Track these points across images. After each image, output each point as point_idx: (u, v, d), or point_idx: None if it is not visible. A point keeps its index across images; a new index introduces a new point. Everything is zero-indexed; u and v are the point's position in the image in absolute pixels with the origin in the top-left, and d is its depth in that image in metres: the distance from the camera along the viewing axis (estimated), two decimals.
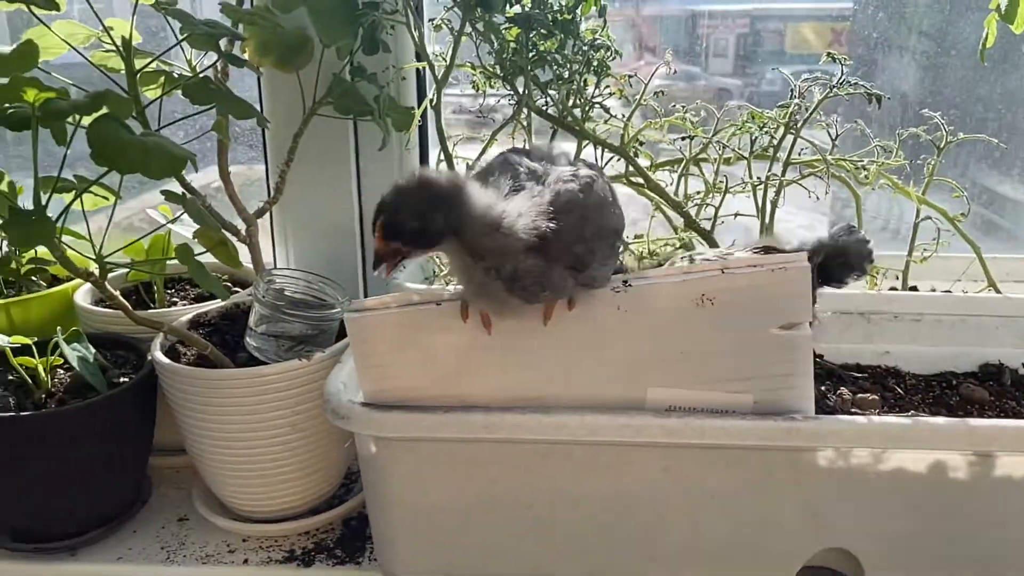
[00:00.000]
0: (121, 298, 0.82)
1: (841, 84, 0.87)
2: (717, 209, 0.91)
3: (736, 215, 0.95)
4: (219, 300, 1.06)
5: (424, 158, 1.21)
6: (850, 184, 0.95)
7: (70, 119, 0.72)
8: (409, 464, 0.77)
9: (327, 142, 1.10)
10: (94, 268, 0.82)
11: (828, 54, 0.85)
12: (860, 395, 0.88)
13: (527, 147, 0.87)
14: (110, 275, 0.85)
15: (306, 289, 0.95)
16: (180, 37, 0.86)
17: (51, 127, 0.71)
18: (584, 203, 0.66)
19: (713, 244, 0.91)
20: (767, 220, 0.91)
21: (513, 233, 0.63)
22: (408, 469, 0.77)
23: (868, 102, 0.87)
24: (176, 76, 0.92)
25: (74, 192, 0.78)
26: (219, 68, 0.97)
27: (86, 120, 0.73)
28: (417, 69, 1.10)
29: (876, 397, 0.88)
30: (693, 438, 0.72)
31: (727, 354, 0.73)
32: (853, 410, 0.86)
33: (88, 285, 1.09)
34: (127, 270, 1.09)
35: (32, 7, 0.80)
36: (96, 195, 0.83)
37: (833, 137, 0.93)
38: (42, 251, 1.14)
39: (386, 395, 0.75)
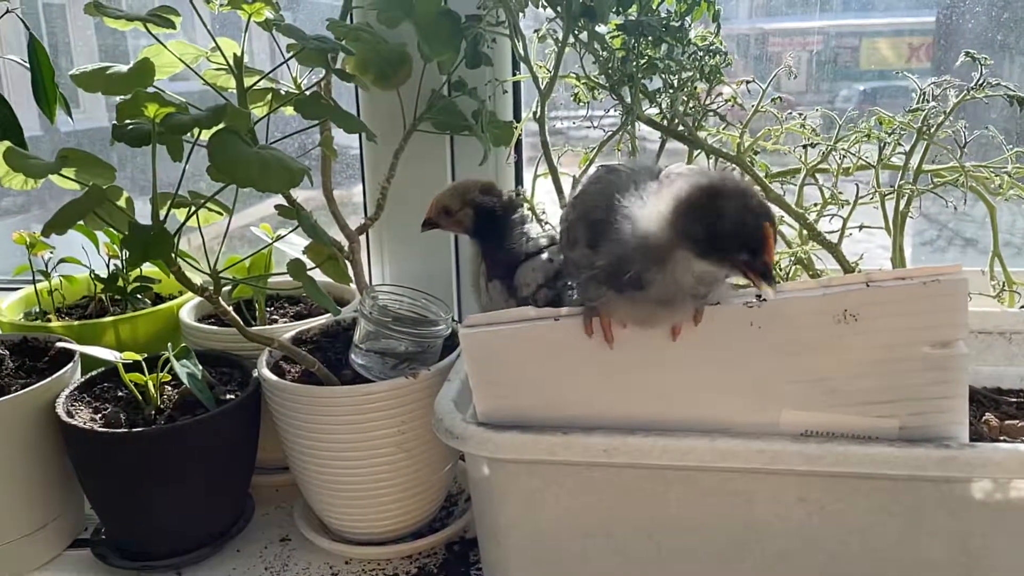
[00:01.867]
0: (234, 314, 0.82)
1: (980, 86, 0.80)
2: (845, 220, 0.86)
3: (862, 227, 0.89)
4: (319, 318, 1.06)
5: (519, 174, 1.18)
6: (985, 196, 0.88)
7: (187, 135, 0.72)
8: (523, 488, 0.73)
9: (423, 159, 1.09)
10: (206, 283, 0.82)
11: (967, 53, 0.79)
12: (1008, 421, 0.81)
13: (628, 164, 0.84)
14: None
15: (410, 306, 0.93)
16: (287, 55, 0.86)
17: (168, 143, 0.71)
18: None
19: (841, 259, 0.85)
20: (898, 233, 0.85)
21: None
22: (522, 493, 0.74)
23: (1009, 103, 0.81)
24: (283, 93, 0.92)
25: (190, 208, 0.78)
26: (323, 85, 0.97)
27: (202, 137, 0.73)
28: (513, 83, 1.08)
29: None
30: (834, 466, 0.66)
31: (871, 375, 0.67)
32: (1002, 438, 0.79)
33: (193, 302, 1.10)
34: (230, 287, 1.09)
35: (148, 26, 0.81)
36: (211, 210, 0.83)
37: (961, 144, 0.86)
38: (147, 269, 1.16)
39: (501, 414, 0.72)
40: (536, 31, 0.95)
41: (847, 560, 0.70)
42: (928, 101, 0.83)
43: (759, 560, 0.72)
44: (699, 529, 0.72)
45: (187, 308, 1.09)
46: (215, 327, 1.03)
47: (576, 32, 0.95)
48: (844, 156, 0.88)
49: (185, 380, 0.86)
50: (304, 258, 0.81)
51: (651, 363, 0.69)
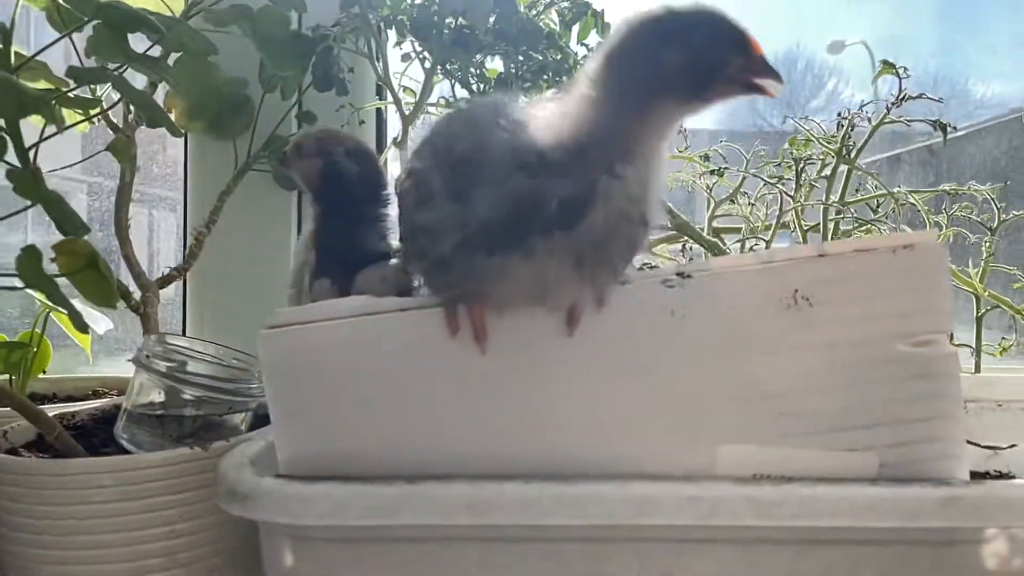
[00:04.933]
0: None
1: (900, 100, 0.71)
2: (768, 244, 0.71)
3: None
4: (96, 401, 0.79)
5: None
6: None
7: None
8: None
9: (263, 203, 0.89)
10: None
11: (884, 62, 0.70)
12: None
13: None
14: None
15: (213, 362, 0.69)
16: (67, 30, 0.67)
17: None
18: None
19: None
20: None
21: None
22: None
23: (933, 128, 0.71)
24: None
25: None
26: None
27: None
28: (377, 114, 0.93)
29: None
30: (798, 519, 0.45)
31: (834, 388, 0.48)
32: None
33: None
34: None
35: None
36: None
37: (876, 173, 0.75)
38: None
39: (314, 462, 0.48)
40: (398, 44, 0.81)
41: None
42: (848, 123, 0.72)
43: None
44: None
45: None
46: None
47: (448, 65, 0.83)
48: (756, 199, 0.76)
49: None
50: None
51: (535, 374, 0.48)
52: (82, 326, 0.54)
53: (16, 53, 0.67)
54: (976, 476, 0.60)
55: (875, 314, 0.48)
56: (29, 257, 0.53)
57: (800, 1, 1.45)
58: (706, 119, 1.45)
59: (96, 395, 0.91)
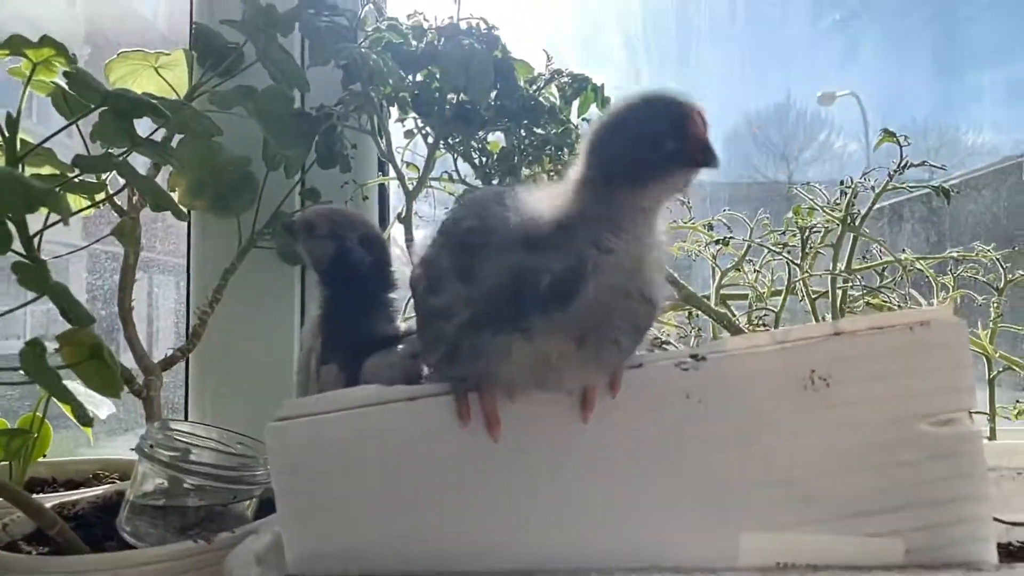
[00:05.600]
0: None
1: (902, 168, 0.71)
2: (778, 314, 0.70)
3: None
4: (96, 488, 0.77)
5: None
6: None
7: None
8: None
9: (266, 282, 0.89)
10: None
11: (885, 131, 0.71)
12: None
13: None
14: None
15: (216, 447, 0.67)
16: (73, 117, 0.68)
17: None
18: None
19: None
20: None
21: None
22: None
23: (936, 195, 0.71)
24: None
25: None
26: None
27: None
28: (379, 189, 0.93)
29: None
30: None
31: (857, 468, 0.47)
32: None
33: None
34: None
35: None
36: None
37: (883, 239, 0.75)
38: None
39: (324, 562, 0.47)
40: (400, 120, 0.82)
41: None
42: (852, 192, 0.72)
43: None
44: None
45: None
46: None
47: (450, 140, 0.83)
48: (761, 265, 0.75)
49: None
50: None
51: (550, 463, 0.47)
52: (86, 419, 0.54)
53: (22, 140, 0.68)
54: (1000, 548, 0.59)
55: (895, 393, 0.47)
56: (32, 351, 0.53)
57: (791, 54, 1.48)
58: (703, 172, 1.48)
59: (97, 479, 0.89)
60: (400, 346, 0.59)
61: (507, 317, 0.43)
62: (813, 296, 0.72)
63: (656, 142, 0.43)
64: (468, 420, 0.47)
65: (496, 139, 0.85)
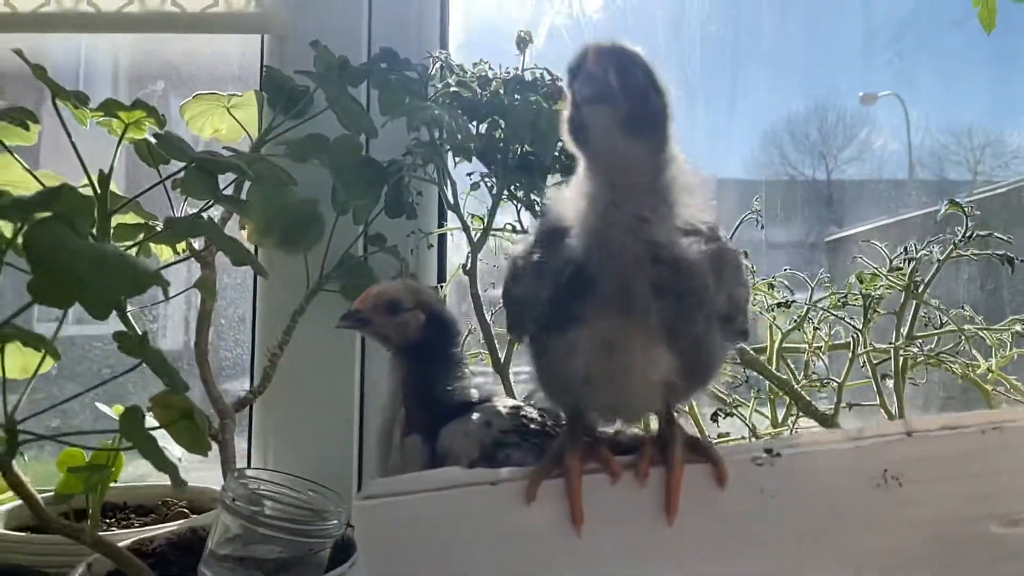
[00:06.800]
0: (29, 486, 0.57)
1: (967, 240, 0.71)
2: (840, 387, 0.71)
3: (850, 406, 0.74)
4: (171, 524, 0.80)
5: None
6: (981, 383, 0.75)
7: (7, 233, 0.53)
8: None
9: (328, 325, 0.91)
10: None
11: (951, 201, 0.71)
12: None
13: None
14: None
15: (291, 498, 0.70)
16: (162, 176, 0.71)
17: None
18: None
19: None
20: (900, 406, 0.70)
21: None
22: None
23: (1001, 263, 0.71)
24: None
25: None
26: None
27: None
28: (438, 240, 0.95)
29: None
30: None
31: (924, 563, 0.48)
32: None
33: (7, 506, 0.83)
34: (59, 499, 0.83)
35: None
36: (27, 345, 0.61)
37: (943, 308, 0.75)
38: None
39: None
40: (468, 175, 0.84)
41: None
42: (912, 259, 0.73)
43: None
44: None
45: None
46: (12, 532, 0.75)
47: (514, 189, 0.85)
48: (820, 321, 0.76)
49: None
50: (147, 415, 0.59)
51: (627, 555, 0.49)
52: (180, 483, 0.56)
53: (112, 193, 0.71)
54: None
55: (965, 494, 0.48)
56: (131, 417, 0.56)
57: (831, 54, 1.46)
58: (735, 169, 1.46)
59: (166, 506, 0.93)
60: (475, 415, 0.61)
61: (563, 315, 0.48)
62: (875, 362, 0.72)
63: (573, 94, 0.48)
64: (533, 499, 0.48)
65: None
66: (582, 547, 0.48)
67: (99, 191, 0.70)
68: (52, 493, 0.76)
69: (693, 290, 0.47)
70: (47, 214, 0.52)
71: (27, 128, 0.67)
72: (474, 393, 0.64)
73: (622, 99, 0.45)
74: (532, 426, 0.59)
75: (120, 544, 0.72)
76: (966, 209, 0.71)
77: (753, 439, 0.76)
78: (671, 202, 0.48)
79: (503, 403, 0.62)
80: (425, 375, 0.64)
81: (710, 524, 0.48)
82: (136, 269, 0.50)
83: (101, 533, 0.79)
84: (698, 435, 0.52)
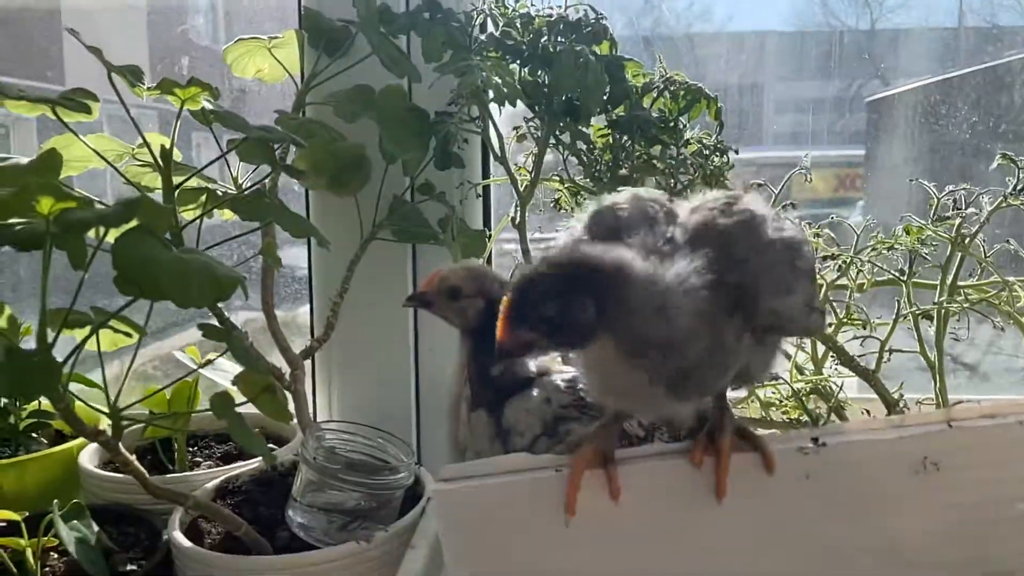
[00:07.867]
0: (137, 464, 0.64)
1: (1018, 192, 0.71)
2: (883, 344, 0.74)
3: (891, 352, 0.77)
4: (252, 460, 0.88)
5: None
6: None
7: (92, 234, 0.57)
8: None
9: (381, 272, 0.95)
10: (105, 424, 0.64)
11: (1003, 155, 0.71)
12: None
13: None
14: (125, 431, 0.67)
15: (364, 448, 0.77)
16: (225, 148, 0.73)
17: (68, 246, 0.56)
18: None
19: (881, 390, 0.72)
20: (939, 358, 0.73)
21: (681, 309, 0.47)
22: None
23: None
24: (221, 195, 0.79)
25: (89, 328, 0.62)
26: (267, 185, 0.84)
27: (110, 238, 0.58)
28: (484, 188, 0.96)
29: None
30: None
31: (958, 541, 0.53)
32: None
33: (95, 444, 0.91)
34: (143, 425, 0.91)
35: (59, 111, 0.67)
36: (116, 331, 0.67)
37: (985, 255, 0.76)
38: (46, 402, 0.97)
39: None
40: (515, 128, 0.84)
41: None
42: (960, 209, 0.73)
43: None
44: None
45: (88, 451, 0.90)
46: (119, 475, 0.83)
47: (558, 133, 0.85)
48: (861, 271, 0.78)
49: (72, 548, 0.67)
50: (233, 390, 0.65)
51: (682, 532, 0.54)
52: (270, 459, 0.62)
53: (175, 164, 0.74)
54: None
55: (1000, 478, 0.52)
56: (223, 399, 0.61)
57: None
58: (773, 20, 1.34)
59: None
60: (535, 390, 0.66)
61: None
62: (917, 313, 0.74)
63: None
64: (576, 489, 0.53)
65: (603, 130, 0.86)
66: (637, 528, 0.53)
67: (162, 165, 0.73)
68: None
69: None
70: (131, 224, 0.55)
71: (89, 112, 0.68)
72: (532, 368, 0.68)
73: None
74: (589, 399, 0.64)
75: (208, 486, 0.80)
76: (1019, 162, 0.70)
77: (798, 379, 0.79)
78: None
79: (561, 376, 0.66)
80: (487, 356, 0.67)
81: (756, 507, 0.53)
82: (217, 279, 0.54)
83: (187, 472, 0.88)
84: (747, 425, 0.55)
